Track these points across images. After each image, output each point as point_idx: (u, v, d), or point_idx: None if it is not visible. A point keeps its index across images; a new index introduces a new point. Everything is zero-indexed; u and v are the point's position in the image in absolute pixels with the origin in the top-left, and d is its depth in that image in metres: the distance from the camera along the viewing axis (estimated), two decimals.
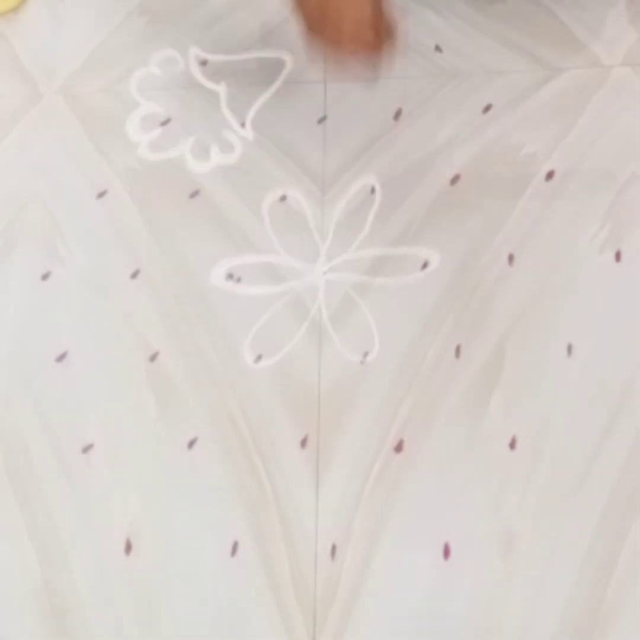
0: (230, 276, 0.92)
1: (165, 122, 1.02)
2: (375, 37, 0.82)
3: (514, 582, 0.76)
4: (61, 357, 0.90)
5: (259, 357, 0.88)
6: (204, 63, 1.05)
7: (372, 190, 0.95)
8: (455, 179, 0.94)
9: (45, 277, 0.95)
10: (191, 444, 0.84)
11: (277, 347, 0.88)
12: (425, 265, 0.90)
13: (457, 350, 0.85)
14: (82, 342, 0.91)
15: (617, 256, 0.87)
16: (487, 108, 0.98)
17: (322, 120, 1.00)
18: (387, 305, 0.88)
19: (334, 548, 0.79)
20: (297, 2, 0.84)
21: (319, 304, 0.90)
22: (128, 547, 0.81)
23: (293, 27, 1.06)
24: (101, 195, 0.99)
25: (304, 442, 0.83)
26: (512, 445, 0.80)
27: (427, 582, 0.77)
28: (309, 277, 0.91)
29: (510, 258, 0.89)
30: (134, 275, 0.94)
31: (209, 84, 1.03)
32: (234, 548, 0.80)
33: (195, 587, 0.79)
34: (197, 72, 1.04)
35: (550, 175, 0.92)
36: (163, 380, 0.88)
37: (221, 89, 1.02)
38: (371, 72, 0.86)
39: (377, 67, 0.85)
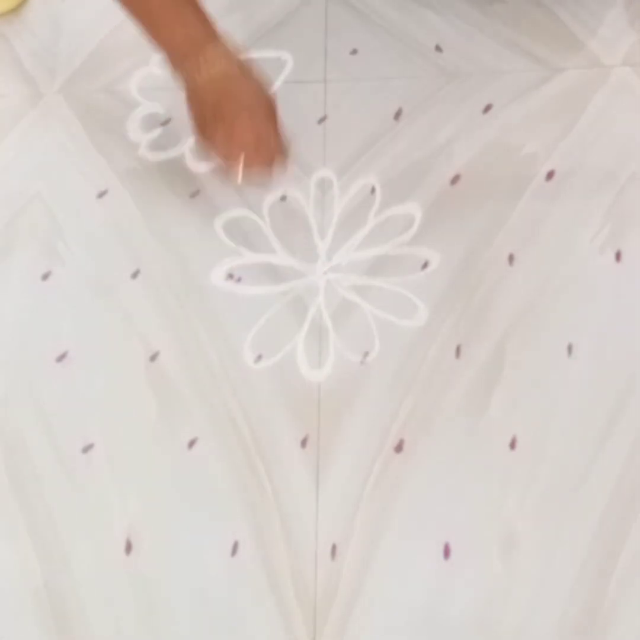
0: (230, 276, 0.92)
1: (165, 122, 1.02)
2: (266, 150, 0.85)
3: (514, 582, 0.76)
4: (61, 357, 0.90)
5: (259, 357, 0.88)
6: None
7: (372, 190, 0.95)
8: (455, 179, 0.94)
9: (45, 277, 0.95)
10: (191, 444, 0.84)
11: (277, 347, 0.88)
12: (425, 265, 0.90)
13: (457, 350, 0.85)
14: (82, 342, 0.91)
15: (617, 256, 0.87)
16: (487, 108, 0.98)
17: (322, 120, 1.00)
18: (387, 305, 0.88)
19: (334, 548, 0.79)
20: (191, 102, 0.85)
21: (319, 304, 0.90)
22: (128, 547, 0.81)
23: (293, 27, 1.07)
24: (101, 195, 0.99)
25: (304, 442, 0.83)
26: (512, 445, 0.80)
27: (427, 582, 0.77)
28: (309, 277, 0.91)
29: (510, 258, 0.89)
30: (134, 275, 0.94)
31: None
32: (234, 548, 0.80)
33: (195, 587, 0.79)
34: None
35: (550, 175, 0.92)
36: (163, 380, 0.88)
37: None
38: (259, 180, 0.88)
39: (264, 178, 0.87)
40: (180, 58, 0.83)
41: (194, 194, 0.97)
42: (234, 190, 0.93)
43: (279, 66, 1.04)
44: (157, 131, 1.02)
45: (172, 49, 0.83)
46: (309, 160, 0.97)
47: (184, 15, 0.82)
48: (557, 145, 0.94)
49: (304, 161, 0.97)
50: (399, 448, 0.82)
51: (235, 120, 0.83)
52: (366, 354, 0.86)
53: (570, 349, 0.84)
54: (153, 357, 0.89)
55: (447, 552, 0.77)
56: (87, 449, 0.85)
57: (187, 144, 1.00)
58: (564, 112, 0.96)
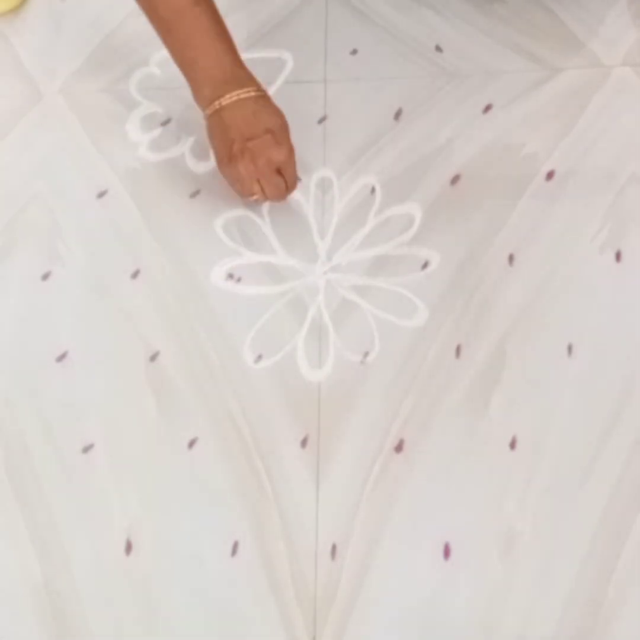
0: (230, 276, 0.92)
1: (165, 122, 1.02)
2: (283, 184, 0.88)
3: (514, 582, 0.76)
4: (61, 357, 0.90)
5: (259, 357, 0.88)
6: None
7: (372, 190, 0.95)
8: (455, 179, 0.94)
9: (45, 277, 0.95)
10: (191, 444, 0.84)
11: (277, 347, 0.88)
12: (425, 265, 0.90)
13: (457, 350, 0.85)
14: (82, 342, 0.91)
15: (617, 256, 0.87)
16: (487, 108, 0.98)
17: (322, 120, 1.00)
18: (387, 305, 0.88)
19: (334, 548, 0.79)
20: (213, 134, 0.87)
21: (319, 304, 0.90)
22: (128, 547, 0.81)
23: (293, 27, 1.07)
24: (101, 195, 0.99)
25: (304, 442, 0.83)
26: (512, 445, 0.80)
27: (427, 582, 0.77)
28: (309, 277, 0.91)
29: (510, 258, 0.89)
30: (134, 275, 0.94)
31: None
32: (234, 548, 0.80)
33: (195, 587, 0.79)
34: None
35: (550, 175, 0.92)
36: (163, 380, 0.88)
37: None
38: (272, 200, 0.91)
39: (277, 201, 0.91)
40: (209, 89, 0.85)
41: (194, 194, 0.97)
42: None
43: (279, 66, 1.04)
44: (157, 131, 1.02)
45: (201, 79, 0.86)
46: (309, 160, 0.97)
47: (217, 49, 0.85)
48: (557, 145, 0.94)
49: (304, 161, 0.97)
50: (399, 448, 0.82)
51: (256, 157, 0.85)
52: (366, 354, 0.86)
53: (570, 348, 0.84)
54: (153, 357, 0.89)
55: (447, 552, 0.77)
56: (87, 449, 0.85)
57: (187, 144, 1.00)
58: (564, 112, 0.96)
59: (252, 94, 0.85)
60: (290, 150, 0.87)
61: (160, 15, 0.84)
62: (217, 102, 0.85)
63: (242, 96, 0.85)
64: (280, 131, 0.86)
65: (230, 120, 0.85)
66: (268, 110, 0.86)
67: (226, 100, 0.84)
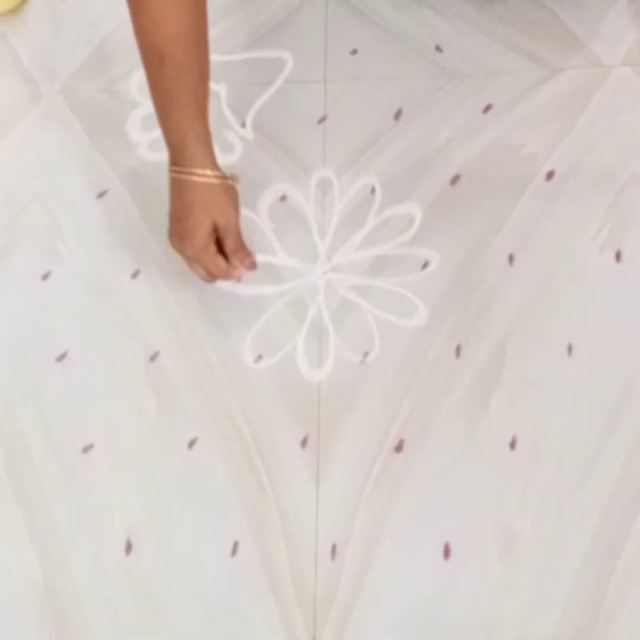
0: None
1: None
2: (221, 262, 0.84)
3: (514, 582, 0.76)
4: (61, 357, 0.90)
5: (259, 357, 0.88)
6: None
7: (372, 190, 0.95)
8: (455, 179, 0.94)
9: (45, 277, 0.95)
10: (191, 444, 0.84)
11: (277, 347, 0.88)
12: (425, 265, 0.90)
13: (457, 350, 0.85)
14: (82, 342, 0.91)
15: (617, 256, 0.87)
16: (487, 108, 0.98)
17: (322, 120, 1.00)
18: (387, 305, 0.88)
19: (334, 548, 0.79)
20: (172, 198, 0.84)
21: (319, 304, 0.90)
22: (128, 547, 0.81)
23: (293, 27, 1.07)
24: (101, 195, 0.99)
25: (304, 442, 0.83)
26: (512, 445, 0.80)
27: (427, 582, 0.77)
28: (309, 277, 0.91)
29: (510, 258, 0.89)
30: (134, 275, 0.94)
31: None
32: (234, 548, 0.80)
33: (195, 587, 0.79)
34: None
35: (550, 175, 0.92)
36: (163, 380, 0.88)
37: (221, 88, 1.02)
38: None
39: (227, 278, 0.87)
40: (179, 158, 0.81)
41: None
42: None
43: (279, 66, 1.04)
44: (157, 131, 1.01)
45: (176, 146, 0.82)
46: (309, 160, 0.97)
47: (197, 126, 0.81)
48: (557, 145, 0.94)
49: (304, 161, 0.97)
50: (399, 448, 0.82)
51: (195, 231, 0.81)
52: (366, 354, 0.86)
53: (570, 348, 0.84)
54: (153, 357, 0.89)
55: (447, 552, 0.77)
56: (87, 449, 0.85)
57: None
58: (564, 112, 0.96)
59: (211, 180, 0.81)
60: (235, 247, 0.84)
61: (153, 45, 0.78)
62: (176, 169, 0.82)
63: (203, 180, 0.80)
64: (224, 227, 0.82)
65: (182, 197, 0.82)
66: (219, 204, 0.82)
67: (185, 174, 0.81)
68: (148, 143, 1.01)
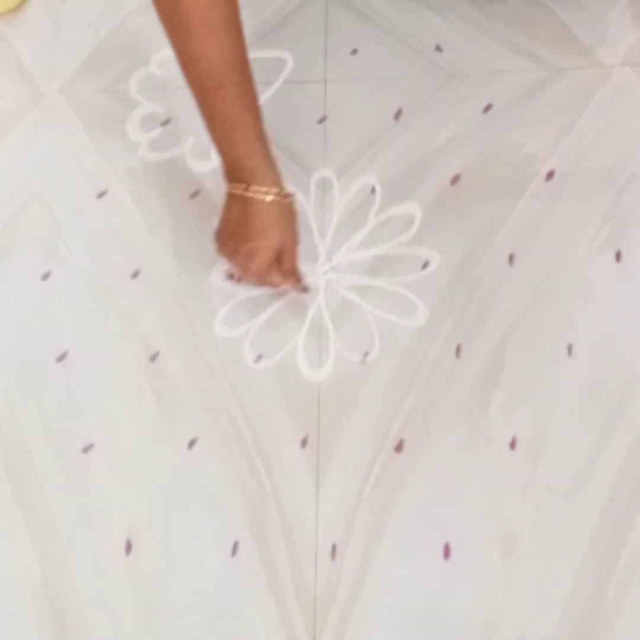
0: (230, 276, 0.92)
1: (165, 122, 1.02)
2: (277, 279, 0.86)
3: (514, 582, 0.76)
4: (61, 357, 0.90)
5: (259, 357, 0.88)
6: None
7: (372, 190, 0.95)
8: (455, 179, 0.94)
9: (45, 277, 0.95)
10: (191, 444, 0.84)
11: (277, 347, 0.88)
12: (425, 265, 0.90)
13: (457, 350, 0.85)
14: (82, 342, 0.91)
15: (617, 256, 0.87)
16: (487, 108, 0.98)
17: (322, 120, 1.00)
18: (387, 305, 0.88)
19: (334, 548, 0.79)
20: (226, 213, 0.84)
21: (319, 304, 0.90)
22: (128, 547, 0.81)
23: (293, 27, 1.07)
24: (101, 195, 0.99)
25: (304, 442, 0.83)
26: (512, 445, 0.80)
27: (427, 582, 0.77)
28: (309, 277, 0.91)
29: (510, 258, 0.89)
30: (134, 275, 0.94)
31: None
32: (234, 548, 0.80)
33: (195, 587, 0.79)
34: None
35: (550, 175, 0.92)
36: (163, 380, 0.88)
37: None
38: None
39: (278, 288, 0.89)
40: (248, 177, 0.81)
41: (194, 194, 0.97)
42: None
43: (279, 66, 1.04)
44: (157, 131, 1.02)
45: (245, 167, 0.81)
46: (309, 160, 0.97)
47: (263, 145, 0.81)
48: (557, 145, 0.94)
49: (304, 161, 0.97)
50: (399, 448, 0.82)
51: (255, 252, 0.82)
52: (366, 354, 0.86)
53: (570, 349, 0.84)
54: (153, 357, 0.89)
55: (447, 552, 0.77)
56: (87, 449, 0.85)
57: (187, 144, 1.00)
58: (564, 112, 0.96)
59: (281, 199, 0.81)
60: (291, 269, 0.86)
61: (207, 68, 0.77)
62: (244, 187, 0.81)
63: (274, 199, 0.80)
64: (286, 249, 0.84)
65: (250, 215, 0.81)
66: (289, 226, 0.83)
67: (251, 192, 0.80)
68: (148, 143, 1.01)
